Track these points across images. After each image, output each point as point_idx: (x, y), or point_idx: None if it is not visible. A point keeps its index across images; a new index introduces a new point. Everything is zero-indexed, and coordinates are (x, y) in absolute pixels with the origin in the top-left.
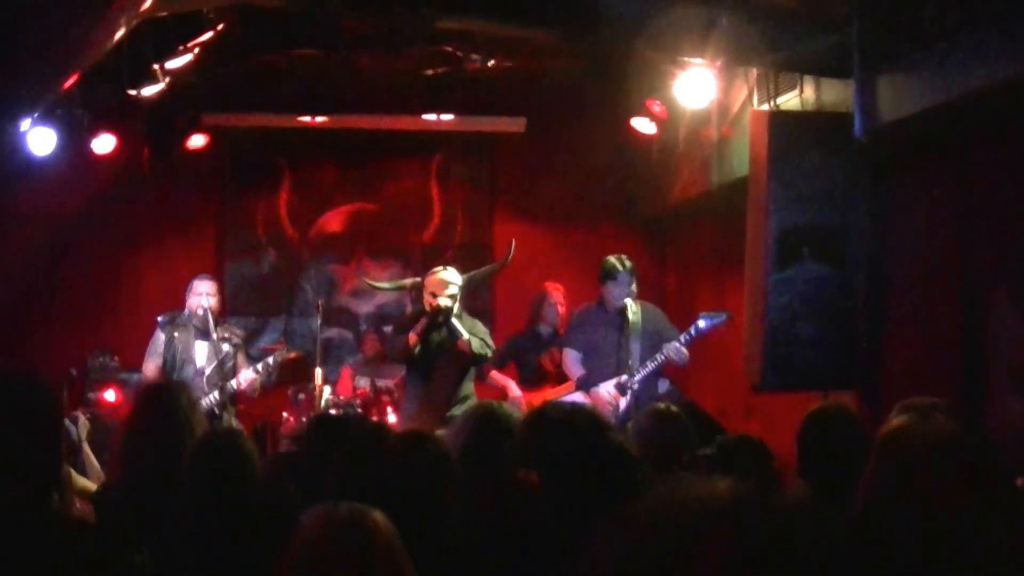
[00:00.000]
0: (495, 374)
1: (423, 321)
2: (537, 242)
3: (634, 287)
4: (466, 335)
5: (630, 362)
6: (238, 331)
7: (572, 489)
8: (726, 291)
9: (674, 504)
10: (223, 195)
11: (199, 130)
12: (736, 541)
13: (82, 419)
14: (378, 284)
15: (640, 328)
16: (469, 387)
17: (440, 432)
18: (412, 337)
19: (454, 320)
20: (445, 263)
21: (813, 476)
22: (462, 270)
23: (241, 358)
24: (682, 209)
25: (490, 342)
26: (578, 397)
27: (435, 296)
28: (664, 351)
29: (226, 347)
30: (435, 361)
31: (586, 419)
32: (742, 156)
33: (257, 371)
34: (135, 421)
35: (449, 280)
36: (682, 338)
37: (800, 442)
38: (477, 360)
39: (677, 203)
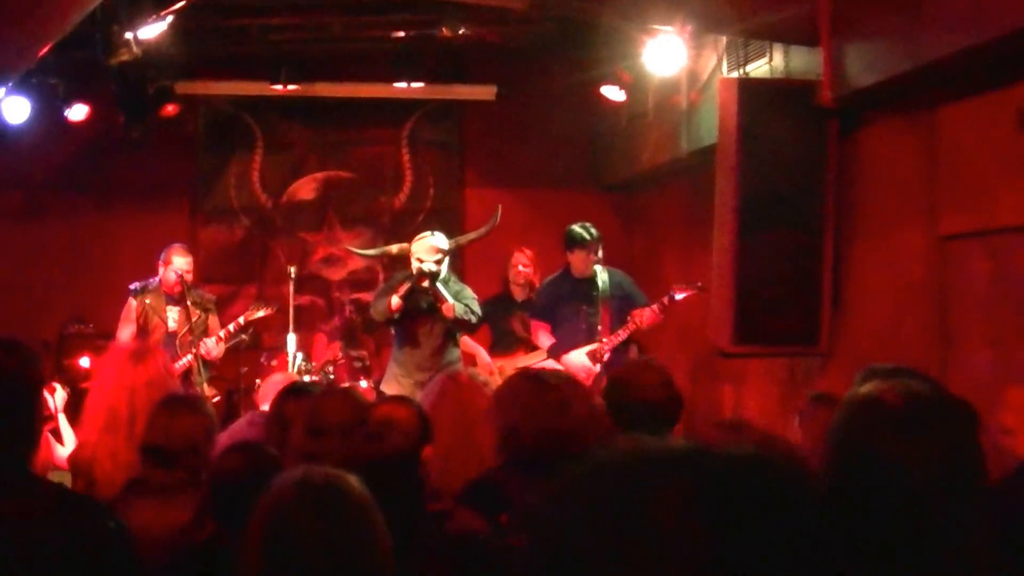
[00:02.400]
0: (466, 339)
1: (407, 284)
2: (507, 207)
3: (600, 254)
4: (450, 300)
5: (599, 328)
6: (210, 296)
7: (542, 459)
8: (694, 257)
9: (631, 456)
10: (196, 162)
11: (172, 98)
12: (695, 491)
13: (59, 389)
14: (364, 251)
15: (609, 294)
16: (454, 352)
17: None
18: (395, 300)
19: (439, 285)
20: (417, 228)
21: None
22: (437, 231)
23: (213, 321)
24: (651, 176)
25: (476, 308)
26: (551, 364)
27: (421, 261)
28: (635, 317)
29: (198, 312)
30: (418, 324)
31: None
32: (711, 123)
33: (219, 337)
34: (111, 381)
35: (436, 245)
36: (655, 306)
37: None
38: (462, 326)
39: (646, 170)
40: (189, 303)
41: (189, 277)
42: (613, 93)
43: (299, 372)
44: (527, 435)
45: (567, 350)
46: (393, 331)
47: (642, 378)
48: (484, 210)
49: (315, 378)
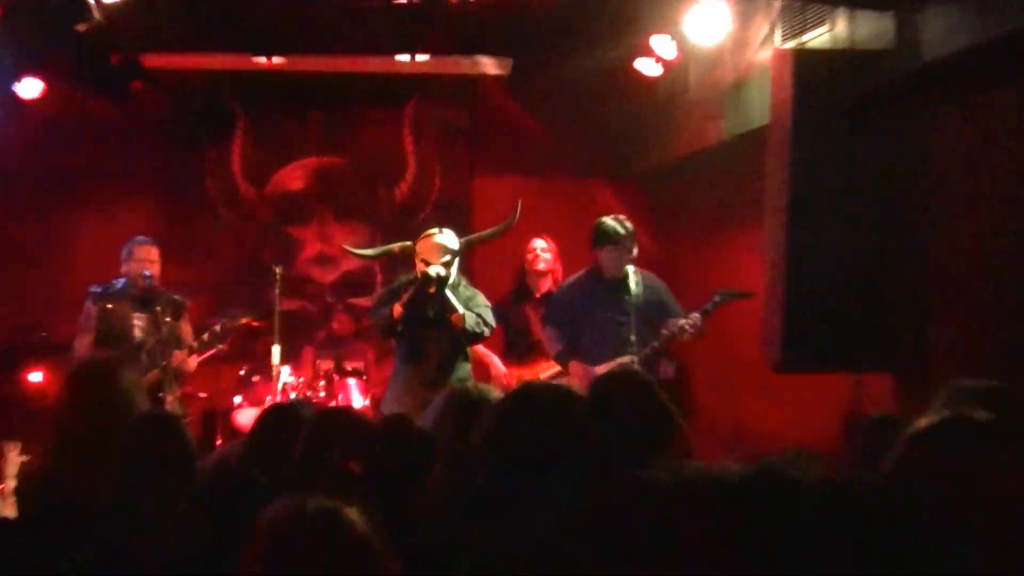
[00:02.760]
0: (478, 348)
1: (411, 291)
2: (523, 200)
3: (635, 252)
4: (460, 308)
5: (632, 338)
6: (182, 300)
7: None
8: (740, 257)
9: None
10: (168, 147)
11: (139, 73)
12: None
13: None
14: (362, 251)
15: (642, 300)
16: (464, 368)
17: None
18: (397, 308)
19: (447, 291)
20: (421, 223)
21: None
22: (441, 227)
23: (186, 328)
24: (690, 164)
25: (489, 318)
26: (563, 376)
27: (427, 263)
28: (672, 327)
29: (168, 319)
30: (424, 337)
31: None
32: (761, 102)
33: (192, 348)
34: (67, 403)
35: (444, 245)
36: (695, 315)
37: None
38: (471, 338)
39: (684, 156)
40: (157, 308)
41: (156, 268)
42: (648, 68)
43: (286, 389)
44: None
45: (588, 361)
46: (395, 343)
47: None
48: (497, 203)
49: (305, 396)
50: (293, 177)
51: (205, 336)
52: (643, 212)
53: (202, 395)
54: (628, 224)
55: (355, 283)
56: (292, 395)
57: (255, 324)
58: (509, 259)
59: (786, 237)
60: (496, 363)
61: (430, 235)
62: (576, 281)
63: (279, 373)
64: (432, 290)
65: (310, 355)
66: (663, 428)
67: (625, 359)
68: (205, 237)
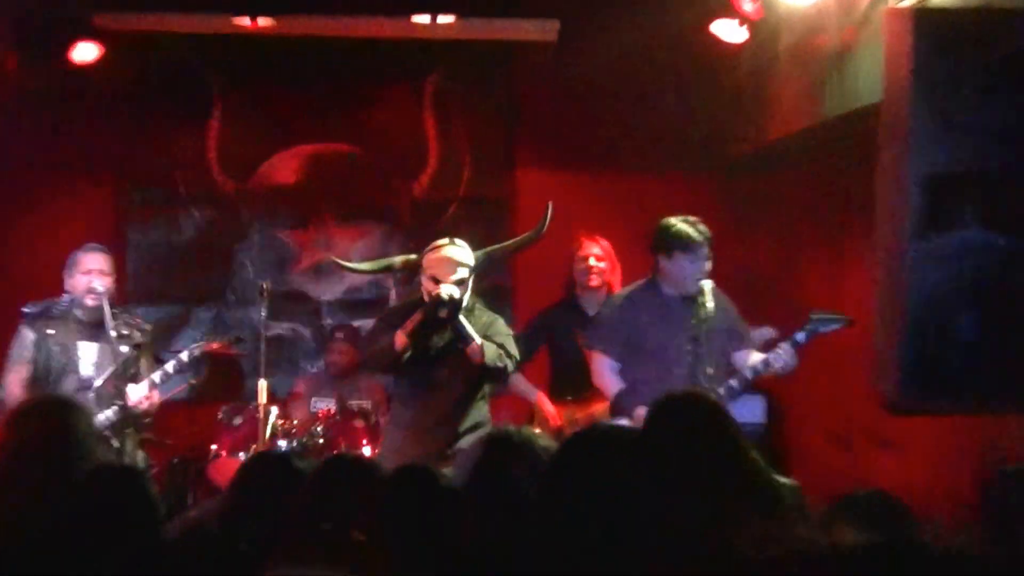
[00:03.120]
0: (517, 379)
1: (418, 316)
2: (573, 196)
3: (709, 264)
4: (477, 339)
5: (709, 371)
6: (144, 323)
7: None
8: (846, 268)
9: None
10: (125, 129)
11: (90, 36)
12: None
13: None
14: (355, 266)
15: (715, 322)
16: (481, 410)
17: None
18: (401, 337)
19: (462, 318)
20: (447, 224)
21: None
22: (470, 233)
23: (146, 363)
24: (782, 151)
25: (512, 349)
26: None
27: (437, 282)
28: (771, 360)
29: (125, 348)
30: (432, 372)
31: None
32: (872, 74)
33: (153, 383)
34: (4, 454)
35: (457, 260)
36: (787, 345)
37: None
38: (492, 375)
39: (775, 142)
40: (112, 334)
41: (109, 282)
42: (729, 32)
43: (275, 435)
44: None
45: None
46: (393, 382)
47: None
48: (542, 199)
49: (299, 443)
50: (284, 168)
51: (170, 367)
52: (720, 212)
53: (169, 442)
54: (703, 227)
55: (361, 302)
56: (283, 443)
57: (232, 352)
58: (553, 275)
59: (903, 244)
60: (542, 401)
61: (439, 247)
62: (633, 295)
63: (267, 415)
64: (442, 316)
65: (303, 392)
66: (750, 477)
67: None
68: (172, 243)
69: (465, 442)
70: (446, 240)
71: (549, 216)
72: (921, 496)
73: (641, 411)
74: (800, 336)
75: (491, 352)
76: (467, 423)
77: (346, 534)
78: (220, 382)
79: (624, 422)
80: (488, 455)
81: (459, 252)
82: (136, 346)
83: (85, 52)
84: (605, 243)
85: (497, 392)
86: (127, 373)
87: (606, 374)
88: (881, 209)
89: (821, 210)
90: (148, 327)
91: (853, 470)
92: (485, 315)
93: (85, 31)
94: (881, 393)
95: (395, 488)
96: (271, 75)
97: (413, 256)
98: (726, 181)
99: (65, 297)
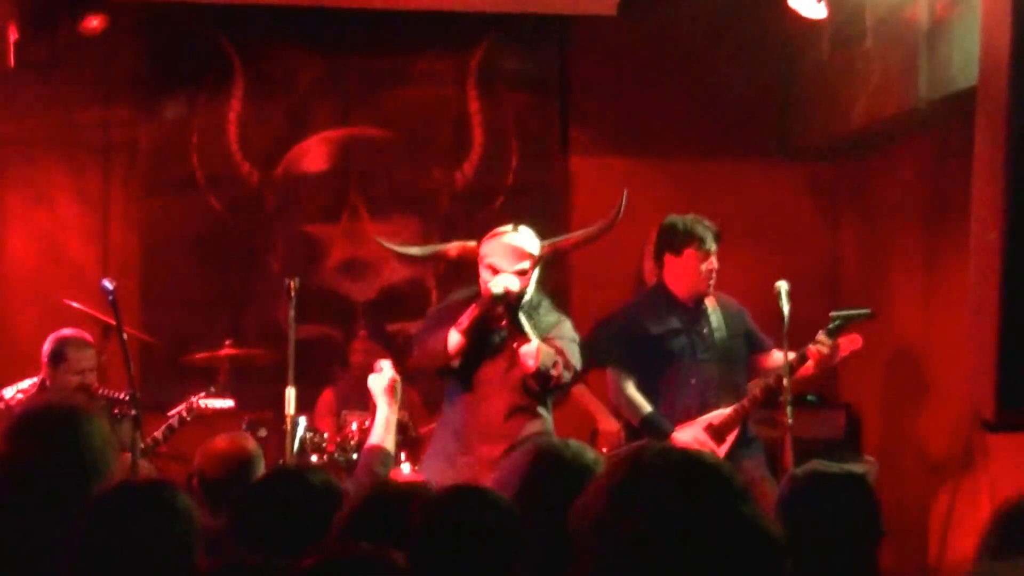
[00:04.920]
0: (582, 390)
1: (475, 312)
2: (632, 185)
3: (717, 263)
4: (534, 340)
5: (736, 382)
6: (127, 400)
7: None
8: (939, 262)
9: None
10: (136, 111)
11: (99, 4)
12: None
13: None
14: (403, 249)
15: (729, 330)
16: (541, 422)
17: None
18: (455, 335)
19: (521, 315)
20: (493, 217)
21: None
22: (518, 224)
23: (138, 433)
24: (870, 136)
25: (575, 359)
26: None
27: (494, 271)
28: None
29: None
30: (485, 371)
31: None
32: (968, 53)
33: (147, 449)
34: (9, 466)
35: (521, 247)
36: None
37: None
38: (546, 383)
39: (862, 127)
40: None
41: (94, 376)
42: (810, 6)
43: (303, 449)
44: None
45: (672, 420)
46: (447, 387)
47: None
48: (600, 189)
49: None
50: (313, 155)
51: (159, 433)
52: (798, 204)
53: (185, 456)
54: (712, 224)
55: (400, 300)
56: (314, 458)
57: (224, 408)
58: (615, 276)
59: (1001, 242)
60: (605, 414)
61: (500, 234)
62: (643, 304)
63: (294, 426)
64: (501, 310)
65: (329, 402)
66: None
67: (723, 412)
68: (189, 237)
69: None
70: (509, 227)
71: (624, 205)
72: None
73: (676, 435)
74: (821, 335)
75: (547, 357)
76: (524, 433)
77: (386, 556)
78: (242, 390)
79: (698, 431)
80: (535, 472)
81: (523, 240)
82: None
83: (92, 22)
84: None
85: (556, 405)
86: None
87: (627, 391)
88: (977, 203)
89: (911, 205)
90: (140, 417)
91: (940, 489)
92: (552, 315)
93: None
94: (977, 409)
95: (445, 509)
96: (298, 50)
97: (472, 243)
98: (805, 170)
99: (30, 387)
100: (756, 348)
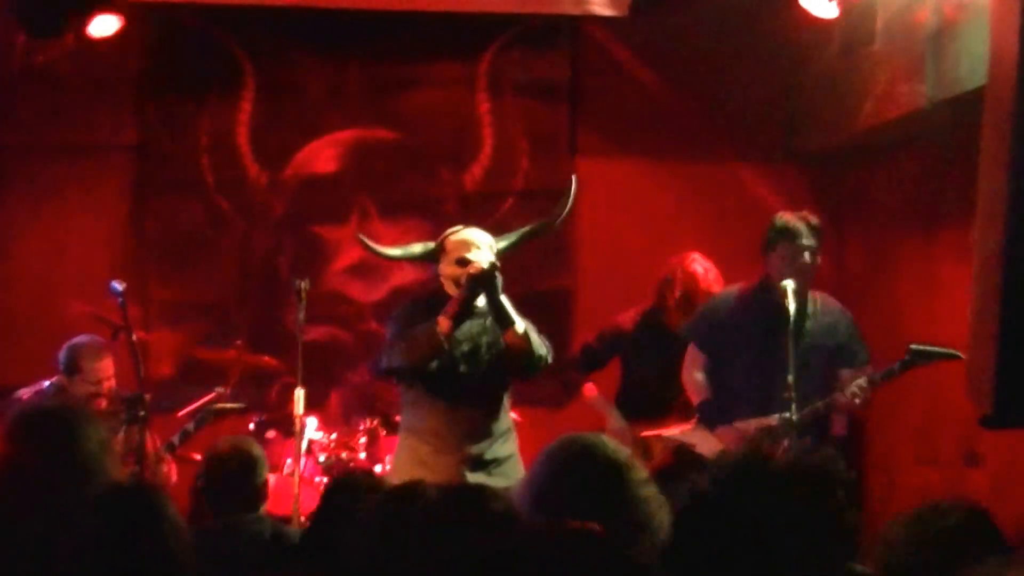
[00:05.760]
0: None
1: (458, 296)
2: (641, 187)
3: (813, 260)
4: (520, 321)
5: (789, 382)
6: (137, 400)
7: None
8: (940, 268)
9: None
10: (146, 113)
11: (107, 6)
12: None
13: None
14: (381, 249)
15: (820, 336)
16: (508, 417)
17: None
18: (444, 321)
19: (503, 297)
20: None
21: None
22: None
23: (148, 436)
24: (876, 139)
25: (545, 342)
26: (702, 438)
27: (465, 262)
28: (845, 391)
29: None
30: (462, 377)
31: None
32: (976, 54)
33: (160, 456)
34: (7, 466)
35: (480, 237)
36: (864, 380)
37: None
38: (531, 367)
39: (869, 130)
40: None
41: (113, 383)
42: (819, 7)
43: (312, 450)
44: None
45: (732, 415)
46: (402, 384)
47: None
48: (606, 192)
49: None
50: (322, 156)
51: (175, 438)
52: (809, 207)
53: (196, 457)
54: (815, 221)
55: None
56: (321, 458)
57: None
58: (621, 276)
59: (1003, 242)
60: (615, 417)
61: (455, 231)
62: (736, 294)
63: (303, 427)
64: (485, 285)
65: (337, 403)
66: None
67: (772, 419)
68: (198, 238)
69: (502, 448)
70: (460, 226)
71: (572, 192)
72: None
73: (729, 434)
74: (891, 370)
75: (536, 337)
76: (500, 428)
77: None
78: (251, 391)
79: (705, 438)
80: (562, 465)
81: (480, 234)
82: (133, 423)
83: (102, 25)
84: (700, 259)
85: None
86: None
87: (694, 370)
88: (982, 204)
89: (917, 208)
90: (144, 400)
91: (940, 486)
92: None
93: (103, 1)
94: (976, 405)
95: (442, 513)
96: (308, 53)
97: (432, 244)
98: (813, 173)
99: (48, 387)
100: (843, 361)
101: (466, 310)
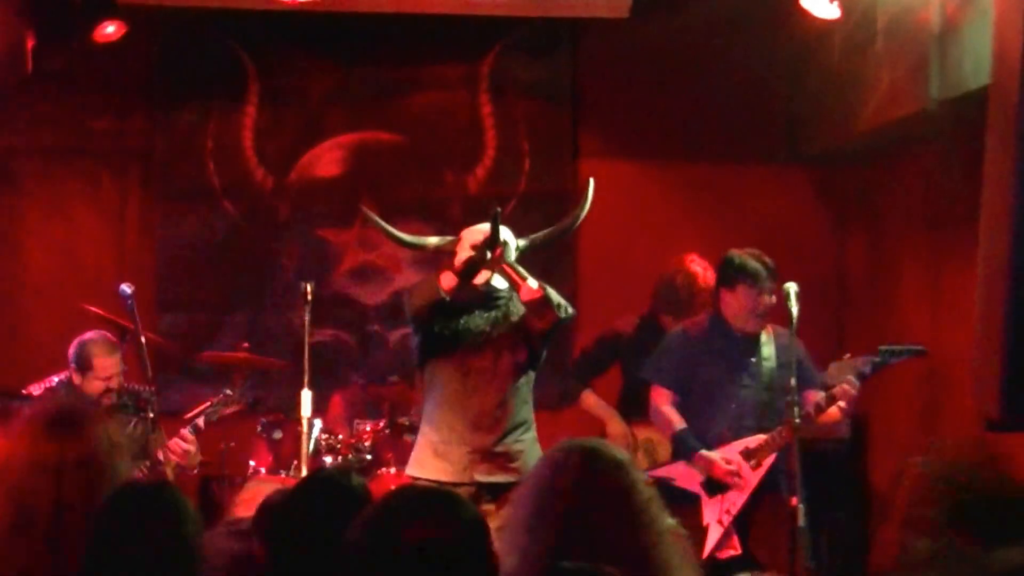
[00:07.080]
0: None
1: (468, 257)
2: (644, 190)
3: (773, 299)
4: (533, 280)
5: (763, 414)
6: (146, 392)
7: None
8: (944, 268)
9: None
10: (153, 116)
11: (114, 11)
12: None
13: None
14: (392, 230)
15: (777, 363)
16: (528, 410)
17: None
18: (449, 276)
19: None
20: (506, 221)
21: None
22: (531, 230)
23: (156, 435)
24: (880, 140)
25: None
26: (679, 469)
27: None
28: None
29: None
30: (475, 351)
31: None
32: (980, 55)
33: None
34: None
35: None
36: (853, 378)
37: None
38: (551, 319)
39: (872, 131)
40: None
41: (122, 379)
42: (821, 7)
43: (318, 450)
44: None
45: (705, 442)
46: (425, 371)
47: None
48: (609, 194)
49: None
50: (327, 160)
51: (188, 432)
52: (808, 208)
53: (204, 460)
54: (769, 261)
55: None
56: (328, 460)
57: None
58: (620, 279)
59: (1009, 244)
60: (615, 419)
61: (477, 226)
62: (696, 328)
63: (310, 428)
64: (490, 254)
65: (340, 405)
66: None
67: (759, 438)
68: (204, 242)
69: (515, 443)
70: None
71: (591, 195)
72: None
73: (706, 455)
74: (865, 369)
75: (554, 292)
76: (513, 420)
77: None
78: (257, 393)
79: (681, 469)
80: (584, 470)
81: (503, 229)
82: (145, 420)
83: (108, 30)
84: (698, 261)
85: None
86: (139, 449)
87: (665, 408)
88: (987, 205)
89: (921, 210)
90: (152, 397)
91: None
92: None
93: (108, 7)
94: (981, 408)
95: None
96: (312, 58)
97: (450, 237)
98: (815, 174)
99: (58, 384)
100: (801, 381)
101: (476, 268)
